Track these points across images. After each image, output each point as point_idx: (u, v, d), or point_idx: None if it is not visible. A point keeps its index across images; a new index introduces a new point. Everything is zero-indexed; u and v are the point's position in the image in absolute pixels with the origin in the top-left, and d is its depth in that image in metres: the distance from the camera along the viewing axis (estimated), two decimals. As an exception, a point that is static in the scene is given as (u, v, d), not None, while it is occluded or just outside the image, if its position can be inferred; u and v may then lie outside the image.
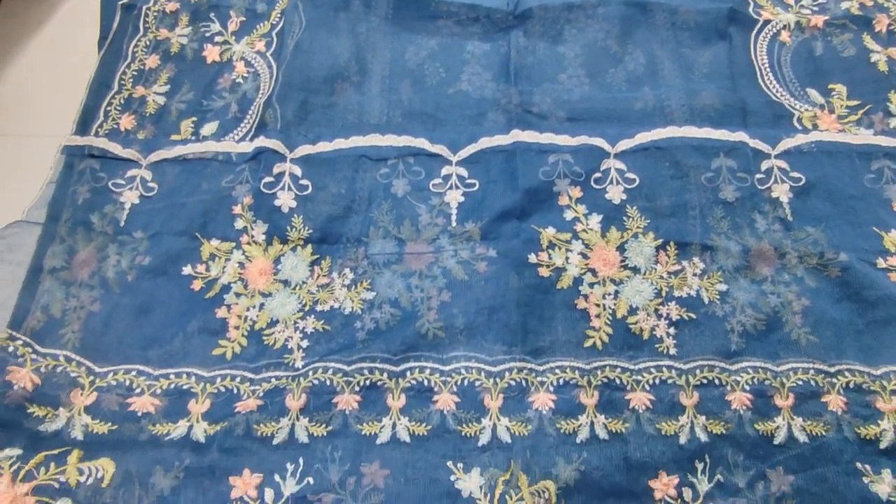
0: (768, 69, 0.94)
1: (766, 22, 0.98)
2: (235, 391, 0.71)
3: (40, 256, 0.79)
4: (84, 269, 0.79)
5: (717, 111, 0.89)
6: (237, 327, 0.75)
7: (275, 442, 0.68)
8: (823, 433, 0.69)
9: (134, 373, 0.72)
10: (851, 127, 0.89)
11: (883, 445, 0.69)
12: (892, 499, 0.66)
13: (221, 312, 0.76)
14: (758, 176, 0.85)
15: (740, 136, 0.87)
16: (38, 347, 0.73)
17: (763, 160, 0.86)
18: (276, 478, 0.67)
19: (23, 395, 0.69)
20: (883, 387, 0.71)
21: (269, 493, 0.66)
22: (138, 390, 0.71)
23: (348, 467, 0.68)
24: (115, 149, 0.87)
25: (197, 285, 0.78)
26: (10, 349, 0.72)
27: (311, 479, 0.67)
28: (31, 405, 0.69)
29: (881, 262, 0.79)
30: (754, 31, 0.97)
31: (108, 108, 0.91)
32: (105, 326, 0.74)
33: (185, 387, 0.71)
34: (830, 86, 0.92)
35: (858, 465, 0.68)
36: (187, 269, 0.78)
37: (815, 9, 0.99)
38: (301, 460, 0.67)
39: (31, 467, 0.64)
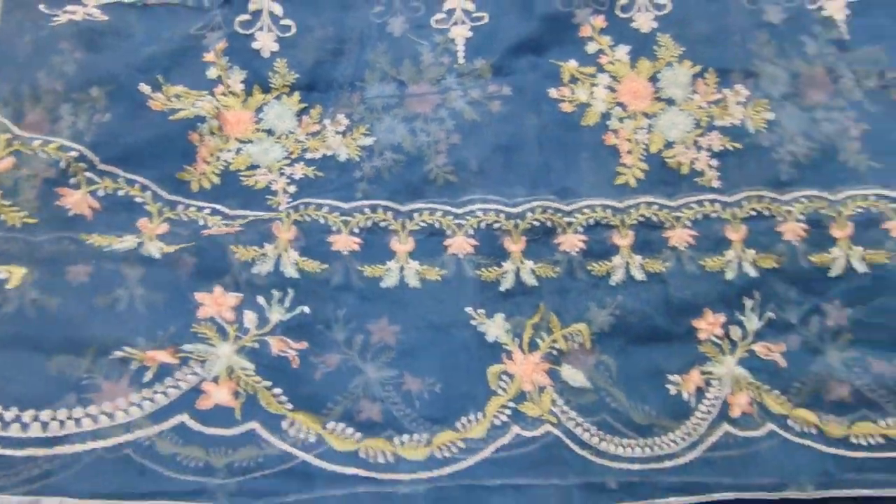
0: None
1: None
2: (202, 223, 0.64)
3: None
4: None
5: (760, -75, 0.79)
6: (207, 162, 0.67)
7: (255, 270, 0.62)
8: (885, 261, 0.64)
9: (74, 153, 0.62)
10: (914, -64, 0.79)
11: (952, 270, 0.63)
12: (964, 324, 0.61)
13: (193, 137, 0.67)
14: (807, -6, 0.76)
15: (787, -52, 0.77)
16: None
17: (814, -24, 0.76)
18: (260, 300, 0.60)
19: None
20: (952, 210, 0.65)
21: (250, 318, 0.59)
22: (73, 180, 0.62)
23: (354, 325, 0.62)
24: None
25: (157, 106, 0.68)
26: None
27: (305, 309, 0.60)
28: None
29: (949, 80, 0.71)
30: None
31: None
32: None
33: (136, 199, 0.63)
34: None
35: (926, 291, 0.62)
36: (146, 89, 0.68)
37: None
38: (291, 291, 0.61)
39: None
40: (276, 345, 0.58)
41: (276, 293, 0.61)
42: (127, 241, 0.60)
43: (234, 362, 0.57)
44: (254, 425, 0.54)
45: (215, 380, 0.55)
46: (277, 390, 0.57)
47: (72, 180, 0.62)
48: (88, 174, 0.62)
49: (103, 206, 0.62)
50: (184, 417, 0.54)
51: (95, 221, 0.61)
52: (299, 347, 0.59)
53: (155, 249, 0.61)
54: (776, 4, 0.75)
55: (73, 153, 0.62)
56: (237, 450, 0.55)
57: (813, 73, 0.72)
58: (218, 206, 0.65)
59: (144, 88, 0.68)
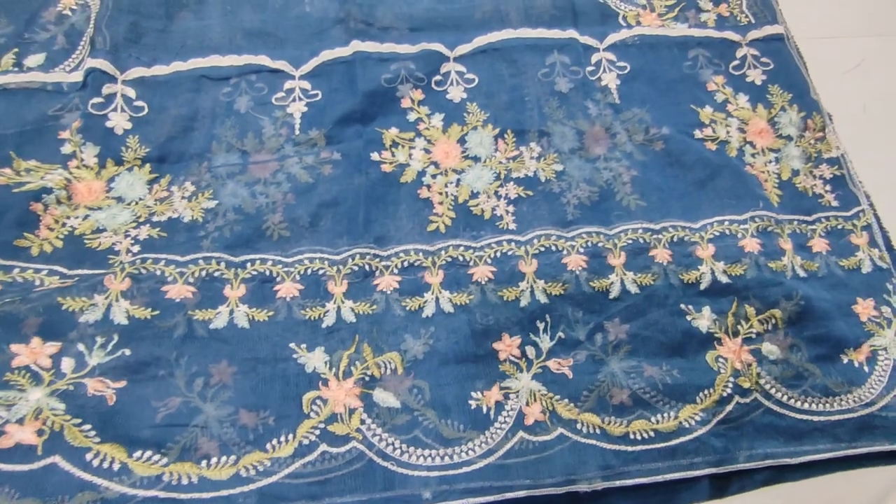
0: (595, -24, 1.01)
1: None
2: (38, 283, 0.69)
3: None
4: None
5: (549, 14, 0.96)
6: (51, 228, 0.72)
7: (83, 319, 0.66)
8: (652, 282, 0.76)
9: None
10: (669, 22, 0.97)
11: (702, 287, 0.76)
12: (711, 330, 0.73)
13: (36, 207, 0.73)
14: (588, 68, 0.92)
15: (571, 33, 0.94)
16: None
17: (593, 54, 0.93)
18: (80, 347, 0.65)
19: None
20: (702, 237, 0.79)
21: (67, 363, 0.64)
22: None
23: (195, 370, 0.67)
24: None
25: (2, 180, 0.74)
26: None
27: (126, 351, 0.65)
28: None
29: (698, 133, 0.88)
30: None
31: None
32: None
33: None
34: (651, -12, 1.01)
35: (682, 306, 0.75)
36: None
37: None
38: (116, 336, 0.66)
39: None
40: (93, 385, 0.63)
41: (99, 339, 0.65)
42: None
43: (44, 404, 0.61)
44: (55, 459, 0.58)
45: (20, 421, 0.59)
46: (87, 426, 0.61)
47: None
48: None
49: None
50: None
51: None
52: (118, 386, 0.64)
53: None
54: (564, 77, 0.90)
55: None
56: (73, 496, 0.58)
57: (594, 131, 0.86)
58: (56, 267, 0.70)
59: None
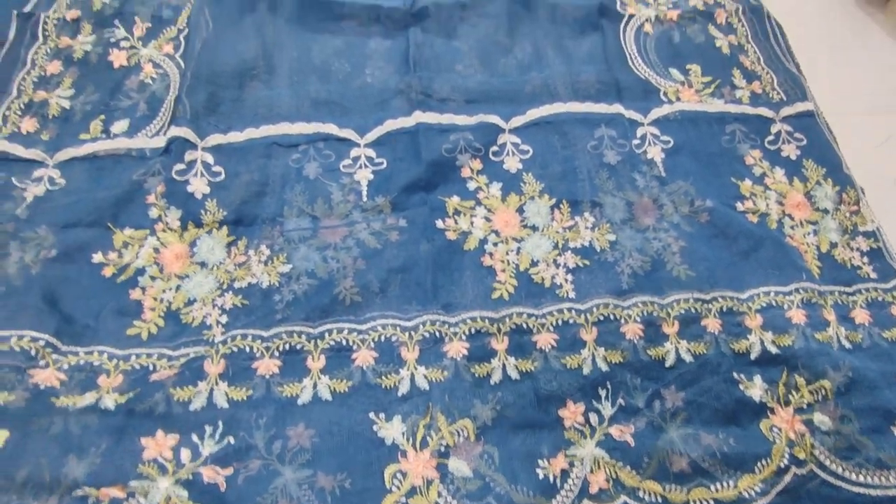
0: (636, 54, 1.06)
1: (631, 16, 1.11)
2: (152, 368, 0.71)
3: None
4: None
5: (595, 89, 1.00)
6: (153, 309, 0.75)
7: (192, 407, 0.68)
8: (705, 351, 0.77)
9: (42, 342, 0.70)
10: (707, 98, 1.02)
11: (753, 356, 0.78)
12: (763, 399, 0.75)
13: (135, 294, 0.76)
14: (634, 141, 0.95)
15: (617, 108, 0.97)
16: None
17: (637, 128, 0.97)
18: (194, 438, 0.67)
19: None
20: (749, 307, 0.81)
21: (185, 454, 0.66)
22: (42, 362, 0.69)
23: (273, 432, 0.68)
24: (17, 150, 0.85)
25: (108, 271, 0.77)
26: None
27: (231, 439, 0.67)
28: None
29: (740, 206, 0.91)
30: (622, 24, 1.10)
31: (7, 113, 0.89)
32: (8, 318, 0.71)
33: (95, 363, 0.70)
34: (688, 66, 1.06)
35: (735, 374, 0.76)
36: (97, 257, 0.78)
37: (670, 5, 1.14)
38: (220, 423, 0.67)
39: None
40: (207, 474, 0.65)
41: (207, 428, 0.67)
42: (87, 398, 0.68)
43: (171, 492, 0.64)
44: None
45: None
46: (206, 508, 0.63)
47: (41, 362, 0.69)
48: (55, 356, 0.70)
49: (68, 375, 0.69)
50: None
51: (62, 388, 0.68)
52: (226, 473, 0.65)
53: (110, 402, 0.68)
54: (612, 150, 0.94)
55: (41, 342, 0.70)
56: None
57: (643, 202, 0.90)
58: (163, 350, 0.72)
59: (98, 258, 0.78)
